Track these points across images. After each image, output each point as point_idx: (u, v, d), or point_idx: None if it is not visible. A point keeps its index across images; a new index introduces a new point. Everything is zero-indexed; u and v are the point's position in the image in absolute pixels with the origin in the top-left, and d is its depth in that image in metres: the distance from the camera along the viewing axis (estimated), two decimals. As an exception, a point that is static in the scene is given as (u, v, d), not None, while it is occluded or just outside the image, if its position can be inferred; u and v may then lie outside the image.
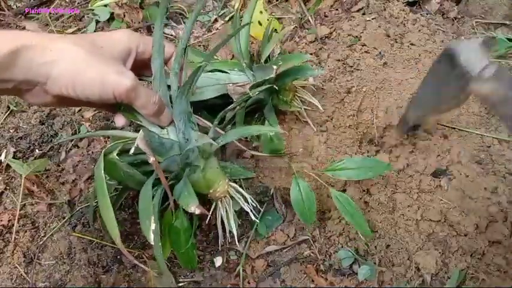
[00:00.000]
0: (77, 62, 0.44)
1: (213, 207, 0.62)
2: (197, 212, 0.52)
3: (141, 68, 0.54)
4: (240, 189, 0.61)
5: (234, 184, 0.61)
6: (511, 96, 0.45)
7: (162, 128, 0.57)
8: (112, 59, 0.48)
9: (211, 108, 0.68)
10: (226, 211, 0.61)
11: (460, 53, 0.49)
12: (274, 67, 0.65)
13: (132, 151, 0.48)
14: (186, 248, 0.61)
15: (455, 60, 0.49)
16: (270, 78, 0.65)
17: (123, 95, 0.46)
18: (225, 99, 0.66)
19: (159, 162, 0.52)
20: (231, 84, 0.66)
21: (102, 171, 0.47)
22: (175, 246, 0.61)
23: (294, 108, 0.74)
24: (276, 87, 0.67)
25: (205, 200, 0.61)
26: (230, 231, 0.61)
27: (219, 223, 0.63)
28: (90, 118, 0.80)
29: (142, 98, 0.49)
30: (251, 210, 0.61)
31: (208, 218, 0.59)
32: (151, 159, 0.48)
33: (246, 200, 0.61)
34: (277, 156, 0.74)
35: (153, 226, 0.48)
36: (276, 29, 0.86)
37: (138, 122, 0.55)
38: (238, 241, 0.69)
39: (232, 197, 0.61)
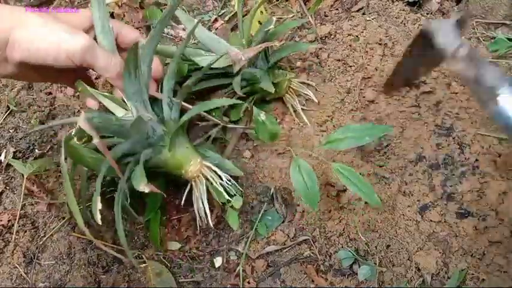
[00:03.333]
0: (33, 26, 0.45)
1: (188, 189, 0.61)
2: (146, 190, 0.50)
3: None
4: (215, 168, 0.59)
5: (208, 163, 0.59)
6: (479, 77, 0.50)
7: (126, 109, 0.56)
8: (72, 27, 0.48)
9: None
10: (200, 194, 0.59)
11: (434, 34, 0.53)
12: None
13: (73, 133, 0.48)
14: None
15: (430, 40, 0.53)
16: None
17: (77, 54, 0.46)
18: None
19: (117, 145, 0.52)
20: (233, 52, 0.65)
21: (63, 157, 0.48)
22: None
23: (288, 100, 0.75)
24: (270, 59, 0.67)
25: (179, 183, 0.60)
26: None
27: (196, 206, 0.60)
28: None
29: (101, 59, 0.48)
30: (225, 189, 0.58)
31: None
32: (96, 141, 0.46)
33: (221, 180, 0.59)
34: (277, 155, 0.74)
35: (99, 206, 0.49)
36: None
37: (100, 101, 0.54)
38: (238, 241, 0.69)
39: (207, 178, 0.59)
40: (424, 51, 0.57)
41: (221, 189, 0.58)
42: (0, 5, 0.47)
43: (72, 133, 0.50)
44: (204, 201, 0.59)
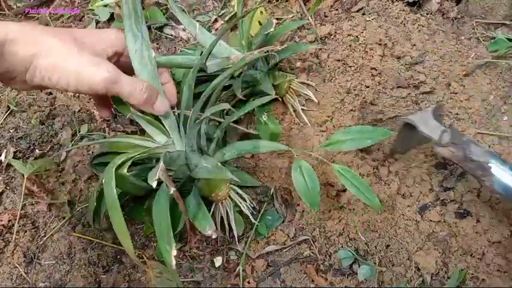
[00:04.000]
0: (55, 55, 0.45)
1: (212, 207, 0.62)
2: (214, 236, 0.54)
3: (127, 70, 0.53)
4: (240, 191, 0.62)
5: (234, 187, 0.62)
6: (468, 156, 0.56)
7: (168, 136, 0.57)
8: (92, 54, 0.47)
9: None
10: (227, 213, 0.62)
11: (417, 124, 0.60)
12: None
13: (154, 185, 0.47)
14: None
15: (414, 130, 0.60)
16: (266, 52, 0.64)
17: (100, 85, 0.45)
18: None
19: (169, 174, 0.52)
20: (233, 55, 0.66)
21: (115, 190, 0.46)
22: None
23: (288, 100, 0.75)
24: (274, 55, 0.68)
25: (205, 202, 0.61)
26: (231, 232, 0.61)
27: (219, 223, 0.63)
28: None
29: (126, 87, 0.48)
30: (251, 213, 0.62)
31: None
32: (172, 191, 0.48)
33: (245, 201, 0.62)
34: (277, 155, 0.74)
35: (174, 252, 0.48)
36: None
37: (135, 120, 0.55)
38: (238, 241, 0.69)
39: (232, 199, 0.62)
40: (410, 140, 0.65)
41: (248, 212, 0.62)
42: (29, 27, 0.46)
43: (119, 160, 0.50)
44: (231, 221, 0.62)
